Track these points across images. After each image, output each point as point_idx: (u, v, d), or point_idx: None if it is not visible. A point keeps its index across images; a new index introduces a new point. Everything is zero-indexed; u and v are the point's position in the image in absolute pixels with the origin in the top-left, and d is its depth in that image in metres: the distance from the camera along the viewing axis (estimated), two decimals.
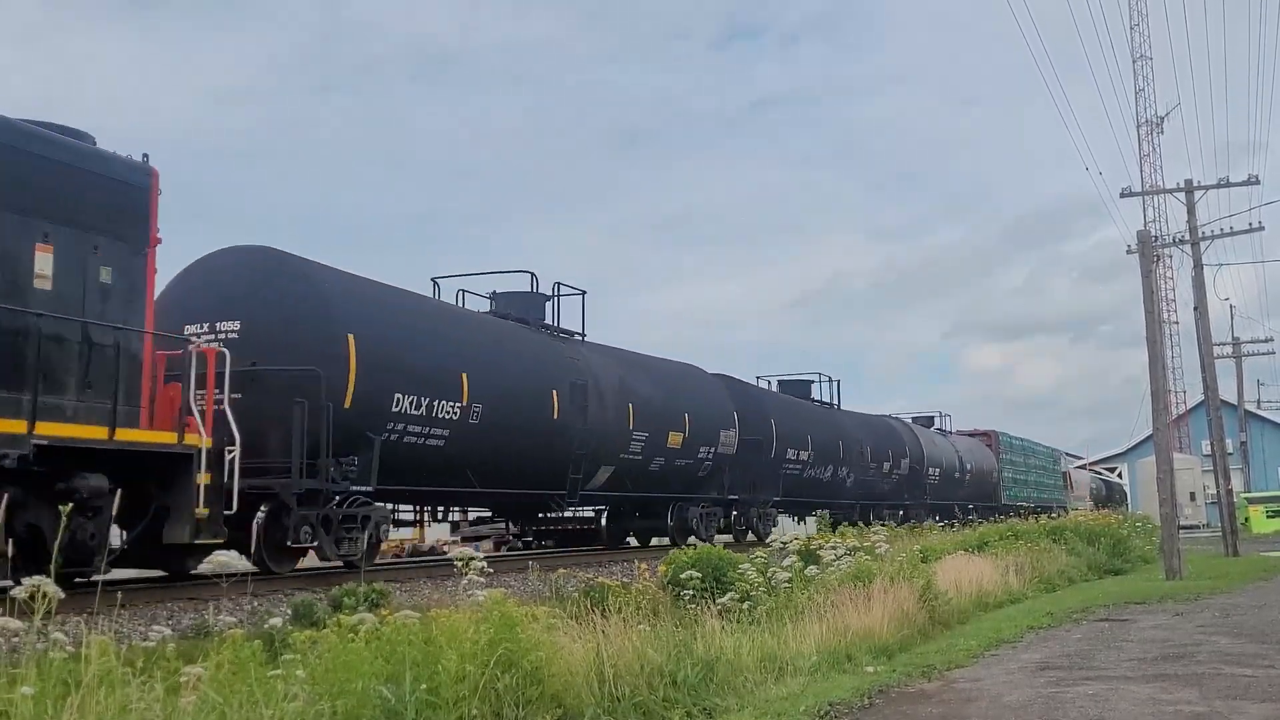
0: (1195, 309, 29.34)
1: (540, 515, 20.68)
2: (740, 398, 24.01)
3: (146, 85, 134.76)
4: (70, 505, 6.44)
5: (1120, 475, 69.56)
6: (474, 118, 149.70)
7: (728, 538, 22.36)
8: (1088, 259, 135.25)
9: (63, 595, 4.99)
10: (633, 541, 23.34)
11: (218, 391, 11.19)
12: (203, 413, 10.91)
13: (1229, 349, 51.77)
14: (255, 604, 10.13)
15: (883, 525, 21.33)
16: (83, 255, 10.13)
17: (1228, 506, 27.22)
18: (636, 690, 7.31)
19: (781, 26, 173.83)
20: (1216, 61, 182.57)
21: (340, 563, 13.43)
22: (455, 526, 26.23)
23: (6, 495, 8.18)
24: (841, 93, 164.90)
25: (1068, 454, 58.38)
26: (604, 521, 22.49)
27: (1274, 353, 53.53)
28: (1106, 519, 27.40)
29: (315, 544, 12.71)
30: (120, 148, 11.42)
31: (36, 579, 4.88)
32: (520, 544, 23.05)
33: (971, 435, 44.09)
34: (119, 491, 8.40)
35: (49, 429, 9.39)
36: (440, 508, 17.17)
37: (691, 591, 10.93)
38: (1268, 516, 45.11)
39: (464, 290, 17.99)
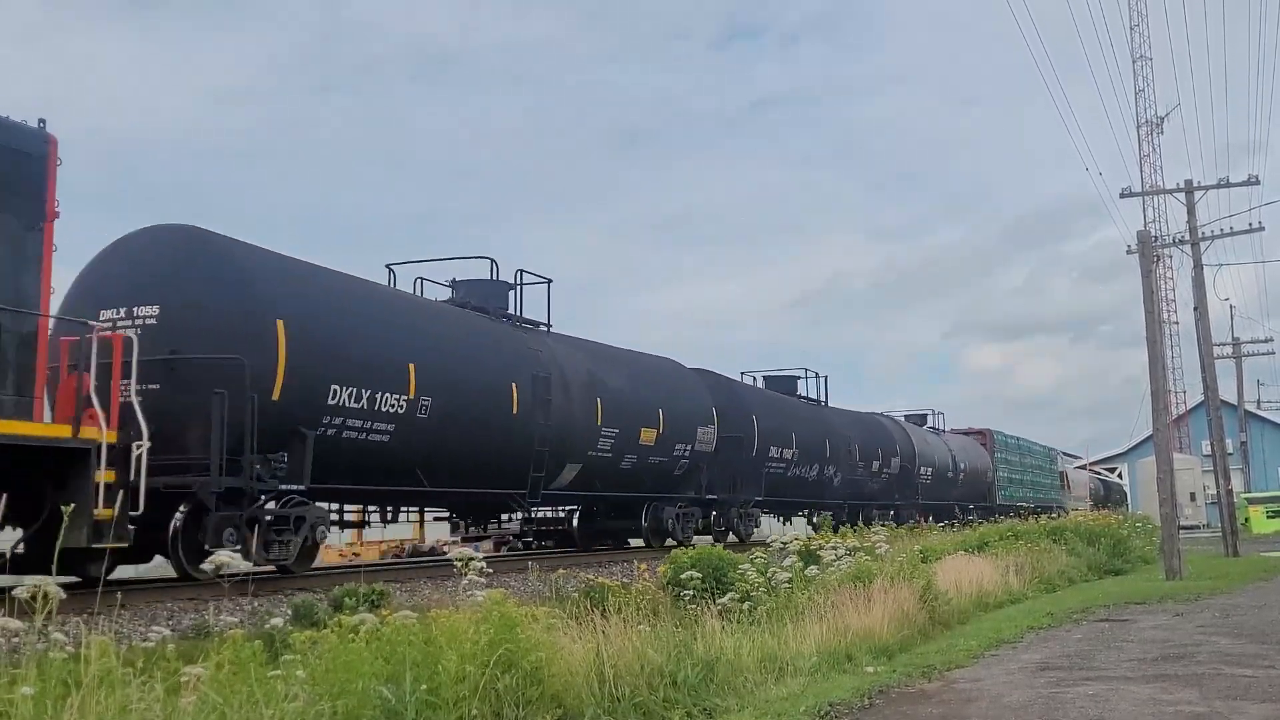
0: (1195, 309, 29.34)
1: (505, 517, 19.53)
2: (720, 393, 23.03)
3: (147, 85, 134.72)
4: None
5: (1120, 475, 69.56)
6: (474, 118, 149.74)
7: (707, 539, 21.59)
8: (1088, 259, 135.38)
9: (64, 595, 4.99)
10: (622, 543, 22.19)
11: (124, 381, 10.36)
12: (119, 404, 10.14)
13: (1229, 349, 51.80)
14: (255, 604, 10.13)
15: (882, 525, 21.24)
16: None
17: (1228, 507, 27.21)
18: (636, 690, 7.31)
19: (782, 27, 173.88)
20: (1216, 61, 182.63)
21: (274, 568, 12.44)
22: (455, 527, 26.15)
23: None
24: (842, 93, 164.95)
25: (1065, 453, 58.26)
26: (575, 522, 21.63)
27: (1274, 353, 53.61)
28: (1106, 519, 27.39)
29: (239, 548, 11.54)
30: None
31: (38, 579, 4.88)
32: (520, 545, 22.93)
33: (966, 434, 43.37)
34: (3, 493, 7.44)
35: None
36: (390, 508, 16.04)
37: (692, 592, 10.93)
38: (1268, 517, 45.12)
39: (422, 278, 17.15)
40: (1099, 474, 64.34)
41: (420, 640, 6.26)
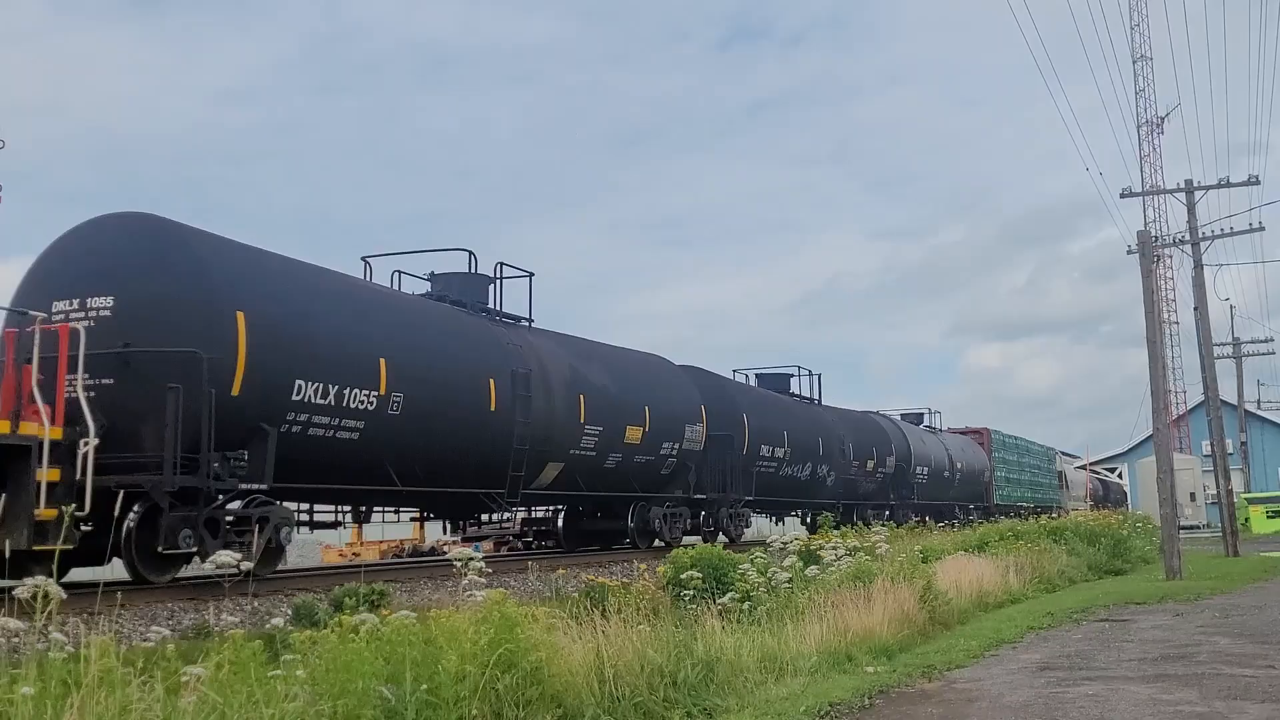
0: (1195, 309, 29.34)
1: (488, 517, 18.77)
2: (709, 391, 22.38)
3: (147, 85, 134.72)
4: None
5: (1120, 475, 69.55)
6: (475, 118, 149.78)
7: (696, 539, 21.04)
8: (1088, 259, 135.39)
9: (64, 595, 4.99)
10: (608, 544, 21.47)
11: (71, 376, 10.00)
12: (68, 399, 9.82)
13: (1229, 349, 51.82)
14: (256, 604, 10.13)
15: (883, 525, 21.19)
16: None
17: (1228, 507, 27.20)
18: (636, 690, 7.31)
19: (783, 28, 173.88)
20: (1216, 61, 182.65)
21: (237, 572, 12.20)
22: (456, 527, 26.09)
23: None
24: (842, 93, 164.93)
25: (1063, 453, 58.10)
26: (560, 523, 21.11)
27: (1274, 353, 53.63)
28: (1107, 519, 27.38)
29: (195, 550, 11.04)
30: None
31: (39, 579, 4.88)
32: (521, 545, 22.88)
33: (963, 433, 42.78)
34: None
35: None
36: (363, 508, 15.41)
37: (692, 591, 10.93)
38: (1268, 517, 45.11)
39: (400, 271, 16.59)
40: (1098, 474, 64.30)
41: (420, 640, 6.26)
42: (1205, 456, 43.33)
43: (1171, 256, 43.04)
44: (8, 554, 7.67)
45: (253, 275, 12.25)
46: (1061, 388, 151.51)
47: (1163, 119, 61.58)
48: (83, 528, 10.03)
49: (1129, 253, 29.61)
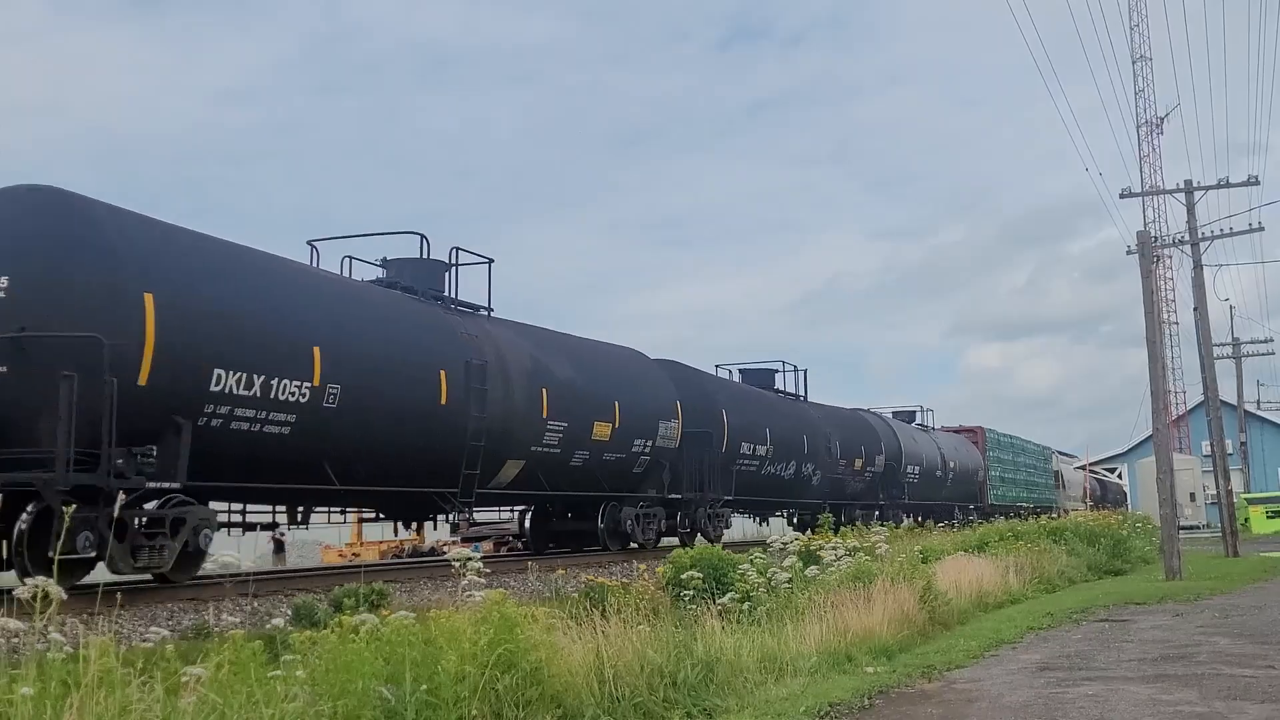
0: (1195, 309, 29.35)
1: (443, 518, 17.31)
2: (685, 386, 21.41)
3: (147, 85, 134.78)
4: None
5: (1120, 475, 69.55)
6: (475, 118, 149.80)
7: (673, 541, 20.52)
8: (1088, 259, 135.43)
9: (64, 596, 4.99)
10: (579, 547, 20.04)
11: None
12: None
13: (1229, 349, 51.85)
14: (256, 605, 10.13)
15: (883, 525, 21.12)
16: None
17: (1228, 507, 27.21)
18: (636, 691, 7.31)
19: (783, 28, 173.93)
20: (1216, 61, 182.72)
21: (149, 577, 11.17)
22: (455, 528, 26.09)
23: None
24: (842, 93, 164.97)
25: (1060, 452, 57.94)
26: (526, 524, 20.24)
27: (1274, 353, 53.67)
28: (1106, 519, 27.37)
29: (95, 555, 10.17)
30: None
31: (39, 579, 4.88)
32: (520, 545, 22.86)
33: (957, 432, 42.01)
34: None
35: None
36: (300, 509, 14.20)
37: (692, 592, 10.93)
38: (1268, 517, 45.12)
39: (350, 256, 15.55)
40: (1097, 474, 64.26)
41: (420, 640, 6.26)
42: (1205, 456, 43.33)
43: (1171, 257, 43.03)
44: None
45: (165, 254, 11.26)
46: (1061, 388, 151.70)
47: (1162, 119, 61.67)
48: None
49: (1129, 253, 29.62)
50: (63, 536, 7.81)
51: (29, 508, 10.13)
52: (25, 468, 9.80)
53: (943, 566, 15.39)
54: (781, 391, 27.95)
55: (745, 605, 10.70)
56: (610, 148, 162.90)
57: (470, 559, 7.45)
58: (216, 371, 11.14)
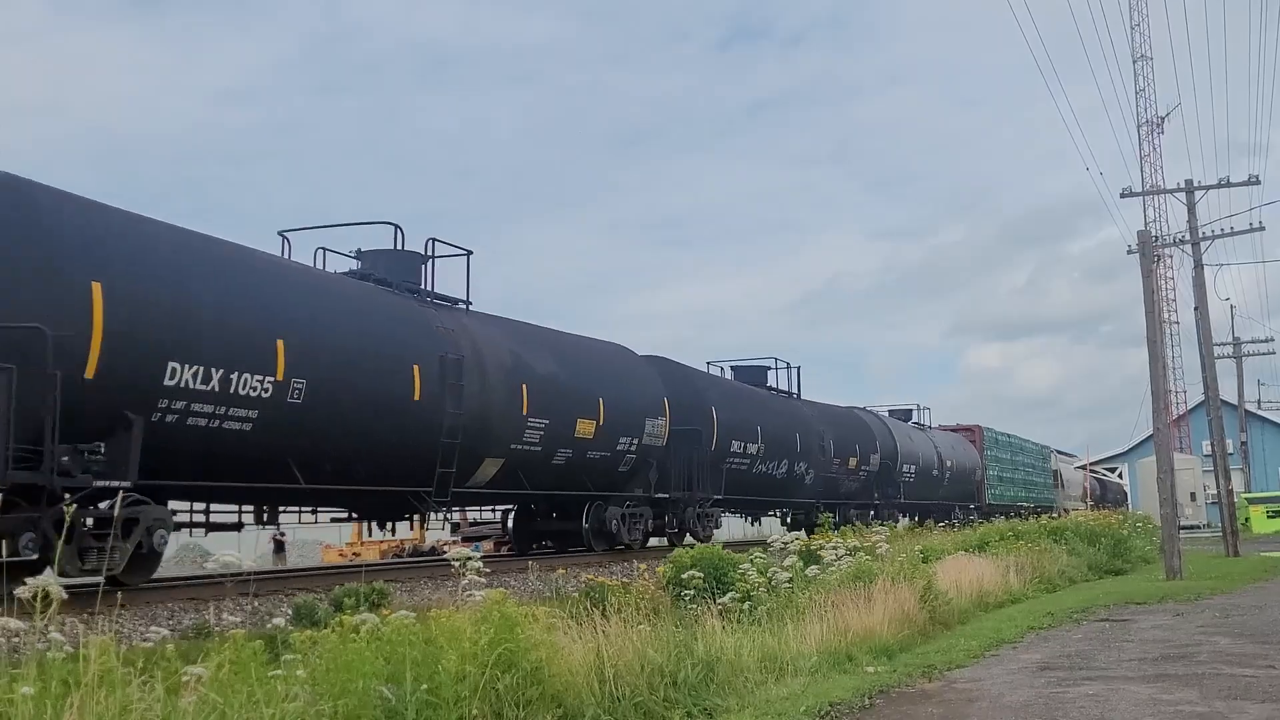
0: (1195, 309, 29.35)
1: (417, 517, 16.58)
2: (674, 382, 20.79)
3: (147, 85, 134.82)
4: None
5: (1120, 475, 69.57)
6: (475, 118, 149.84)
7: (662, 541, 20.14)
8: (1088, 259, 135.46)
9: (65, 596, 4.99)
10: (564, 547, 19.62)
11: None
12: None
13: (1229, 349, 51.87)
14: (256, 604, 10.12)
15: (883, 525, 21.07)
16: None
17: (1228, 506, 27.21)
18: (637, 690, 7.31)
19: (783, 28, 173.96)
20: (1216, 61, 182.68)
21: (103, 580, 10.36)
22: (455, 527, 26.08)
23: None
24: (842, 93, 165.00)
25: (1059, 451, 57.83)
26: (510, 524, 19.71)
27: (1274, 353, 53.72)
28: (1107, 519, 27.38)
29: (39, 557, 9.53)
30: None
31: (40, 579, 4.88)
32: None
33: (954, 430, 41.48)
34: None
35: None
36: (265, 508, 13.68)
37: (692, 591, 10.93)
38: (1268, 517, 45.12)
39: (324, 248, 14.96)
40: (1097, 473, 64.25)
41: (420, 640, 6.26)
42: (1205, 456, 43.32)
43: (1171, 256, 43.13)
44: None
45: (116, 241, 10.71)
46: (1061, 388, 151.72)
47: (1163, 119, 61.60)
48: None
49: (1129, 253, 29.63)
50: (3, 539, 7.37)
51: None
52: None
53: (943, 566, 15.40)
54: (774, 389, 27.41)
55: (746, 605, 10.70)
56: (610, 148, 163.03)
57: (470, 559, 7.45)
58: (171, 365, 10.64)
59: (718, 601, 10.37)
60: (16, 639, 4.91)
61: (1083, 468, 59.37)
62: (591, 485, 18.22)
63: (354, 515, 16.13)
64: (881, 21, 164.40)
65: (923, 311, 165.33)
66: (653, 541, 20.44)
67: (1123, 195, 31.83)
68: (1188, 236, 29.33)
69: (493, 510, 19.67)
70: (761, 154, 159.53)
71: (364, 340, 13.39)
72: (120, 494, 9.51)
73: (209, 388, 11.04)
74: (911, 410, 38.48)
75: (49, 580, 4.88)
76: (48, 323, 9.45)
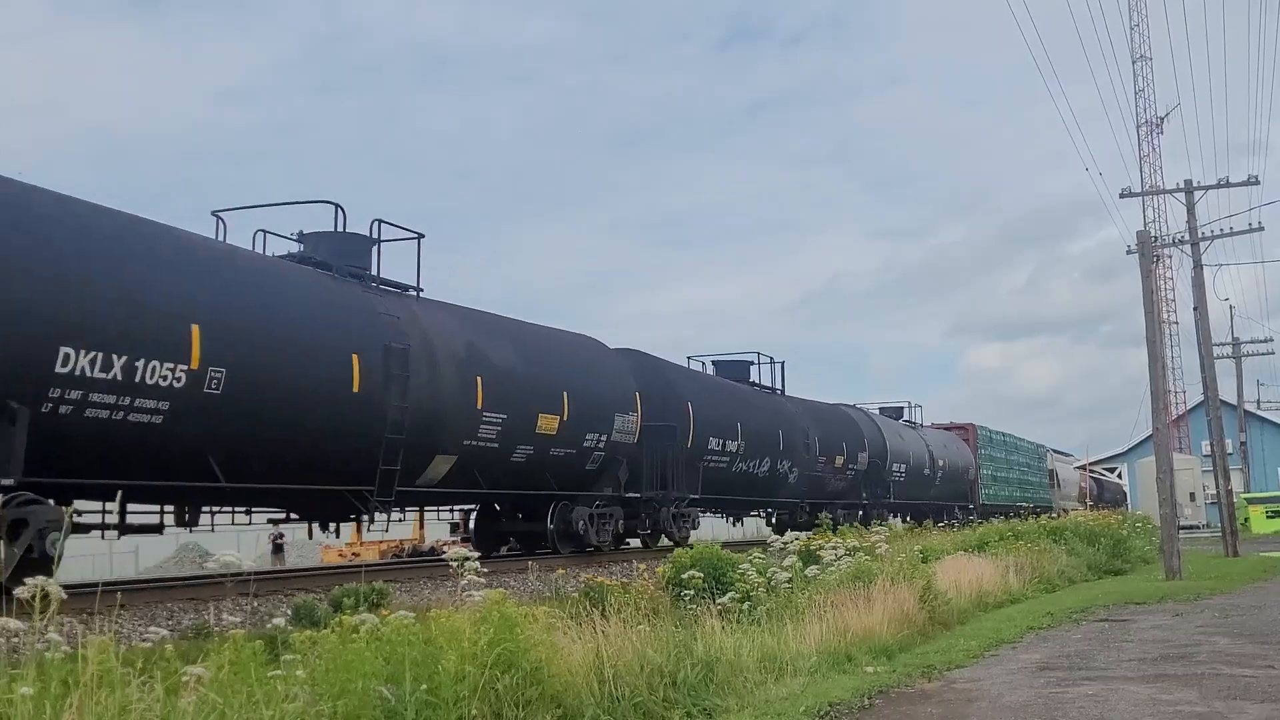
0: (1195, 309, 29.35)
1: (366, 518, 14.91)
2: (646, 376, 19.78)
3: (148, 85, 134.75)
4: None
5: (1120, 475, 69.58)
6: (475, 118, 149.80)
7: (636, 543, 19.39)
8: (1088, 259, 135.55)
9: (65, 595, 4.99)
10: (532, 549, 18.51)
11: None
12: None
13: (1229, 349, 51.88)
14: (256, 604, 10.12)
15: (885, 526, 21.02)
16: None
17: (1228, 507, 27.22)
18: (636, 690, 7.31)
19: (783, 28, 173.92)
20: (1216, 61, 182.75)
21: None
22: (455, 527, 26.02)
23: None
24: (842, 93, 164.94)
25: (1055, 451, 57.71)
26: (471, 524, 18.73)
27: (1274, 353, 53.73)
28: (1106, 519, 27.39)
29: None
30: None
31: (40, 579, 4.88)
32: (520, 545, 22.75)
33: (947, 429, 40.72)
34: None
35: None
36: (187, 509, 12.60)
37: (692, 591, 10.93)
38: (1268, 517, 45.13)
39: (264, 231, 14.01)
40: (1095, 473, 64.22)
41: (420, 640, 6.26)
42: (1205, 456, 43.31)
43: (1171, 256, 43.09)
44: None
45: None
46: (1061, 388, 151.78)
47: (1162, 119, 61.71)
48: None
49: (1129, 253, 29.65)
50: None
51: None
52: None
53: (942, 566, 15.40)
54: (757, 384, 26.43)
55: (745, 605, 10.70)
56: (610, 148, 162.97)
57: (469, 559, 7.45)
58: (64, 350, 9.68)
59: (717, 601, 10.37)
60: (16, 639, 4.91)
61: (1081, 467, 59.36)
62: (556, 484, 17.30)
63: (292, 516, 14.88)
64: (881, 21, 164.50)
65: (923, 311, 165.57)
66: (632, 543, 19.80)
67: (1122, 195, 31.88)
68: (1187, 237, 29.35)
69: (450, 511, 18.76)
70: (761, 154, 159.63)
71: (295, 327, 12.48)
72: (1, 494, 8.83)
73: (110, 376, 10.07)
74: (903, 408, 37.73)
75: (49, 580, 4.88)
76: None
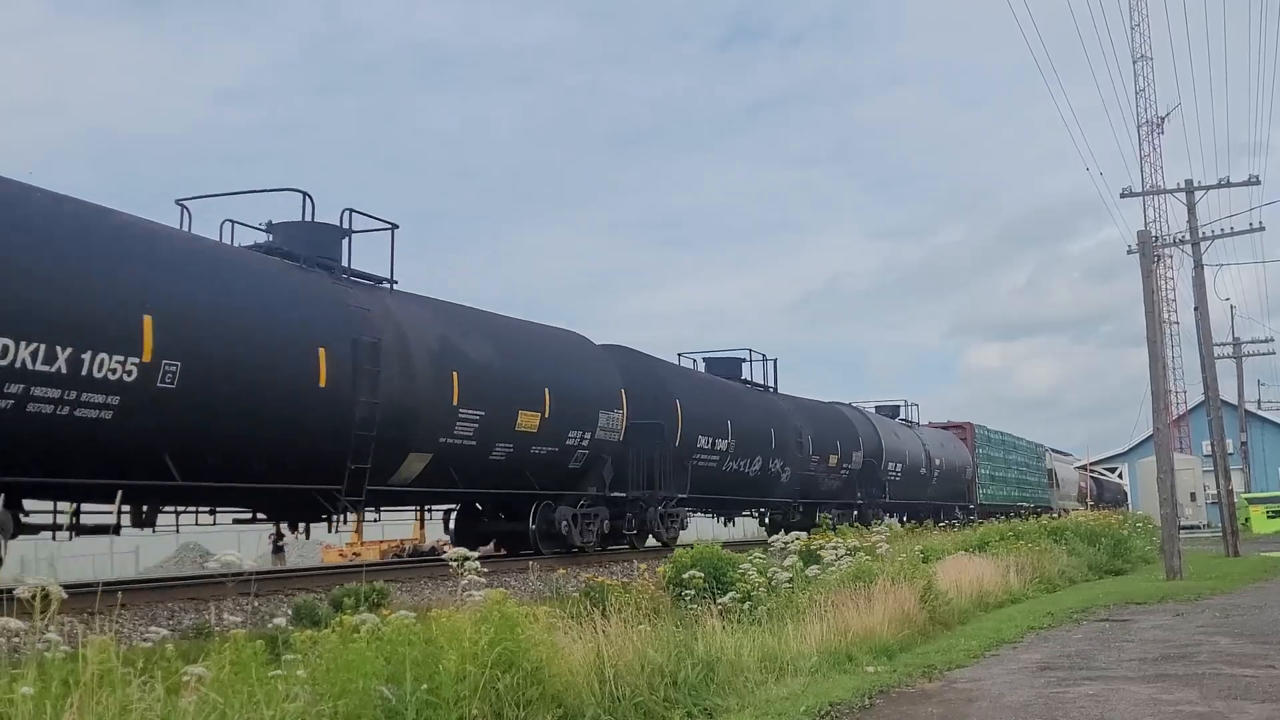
0: (1195, 309, 29.36)
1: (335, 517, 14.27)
2: (633, 373, 19.30)
3: (147, 85, 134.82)
4: None
5: (1120, 475, 69.57)
6: (475, 118, 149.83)
7: (624, 545, 19.17)
8: (1088, 259, 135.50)
9: (65, 595, 4.99)
10: (516, 549, 17.94)
11: None
12: None
13: (1229, 349, 51.88)
14: (257, 604, 10.12)
15: (884, 527, 20.99)
16: None
17: (1228, 507, 27.21)
18: (637, 690, 7.31)
19: (783, 28, 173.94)
20: (1216, 61, 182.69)
21: None
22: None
23: None
24: (842, 93, 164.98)
25: (1054, 450, 57.65)
26: (452, 524, 18.07)
27: (1274, 353, 53.74)
28: (1107, 519, 27.38)
29: None
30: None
31: (40, 579, 4.88)
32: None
33: (944, 428, 40.21)
34: None
35: None
36: (144, 508, 12.08)
37: (692, 591, 10.94)
38: (1268, 517, 45.12)
39: (231, 220, 13.67)
40: (1095, 473, 64.18)
41: (421, 640, 6.26)
42: (1205, 456, 43.31)
43: (1171, 256, 43.11)
44: None
45: None
46: (1061, 388, 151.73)
47: (1163, 119, 61.64)
48: None
49: (1129, 253, 29.67)
50: None
51: None
52: None
53: (943, 566, 15.40)
54: (749, 382, 25.93)
55: (746, 605, 10.70)
56: (610, 148, 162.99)
57: (469, 558, 7.44)
58: (3, 342, 9.31)
59: (718, 601, 10.37)
60: (16, 639, 4.91)
61: (1081, 467, 59.32)
62: (538, 484, 16.75)
63: (258, 516, 14.30)
64: (881, 21, 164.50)
65: (923, 311, 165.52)
66: (617, 546, 19.46)
67: (1123, 195, 31.90)
68: (1188, 236, 29.34)
69: (429, 511, 18.27)
70: (761, 154, 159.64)
71: (256, 319, 12.02)
72: None
73: (54, 369, 9.66)
74: (899, 407, 37.28)
75: (49, 580, 4.88)
76: None
